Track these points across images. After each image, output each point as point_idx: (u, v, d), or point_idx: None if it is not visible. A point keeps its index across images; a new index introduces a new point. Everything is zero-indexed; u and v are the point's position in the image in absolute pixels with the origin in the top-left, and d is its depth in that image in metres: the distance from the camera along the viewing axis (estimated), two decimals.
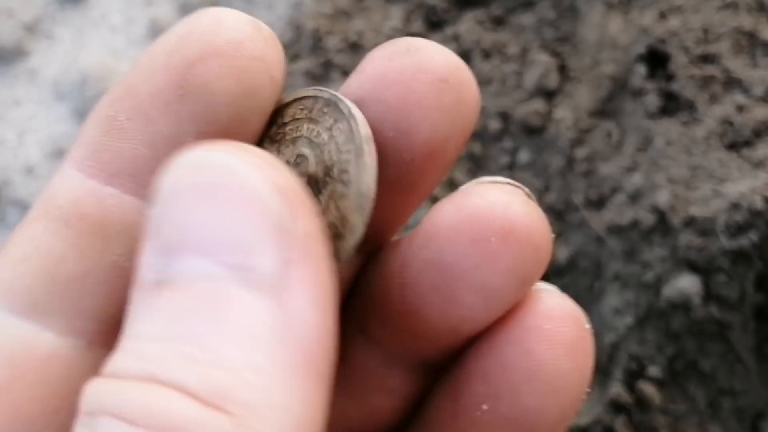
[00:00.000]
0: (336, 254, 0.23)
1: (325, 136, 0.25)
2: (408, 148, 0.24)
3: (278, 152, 0.25)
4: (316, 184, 0.25)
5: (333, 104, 0.25)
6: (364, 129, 0.24)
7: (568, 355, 0.23)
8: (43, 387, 0.23)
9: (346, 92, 0.25)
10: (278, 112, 0.26)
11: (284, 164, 0.21)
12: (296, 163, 0.25)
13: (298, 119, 0.26)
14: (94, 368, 0.23)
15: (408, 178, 0.24)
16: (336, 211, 0.24)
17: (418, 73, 0.24)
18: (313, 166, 0.25)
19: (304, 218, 0.20)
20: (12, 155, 0.68)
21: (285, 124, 0.26)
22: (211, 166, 0.20)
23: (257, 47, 0.24)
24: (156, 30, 0.73)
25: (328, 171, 0.24)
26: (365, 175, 0.23)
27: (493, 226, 0.22)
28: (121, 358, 0.19)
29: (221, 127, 0.24)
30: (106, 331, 0.24)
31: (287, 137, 0.26)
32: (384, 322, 0.25)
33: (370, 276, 0.26)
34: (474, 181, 0.24)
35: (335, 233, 0.24)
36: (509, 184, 0.24)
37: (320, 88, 0.25)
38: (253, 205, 0.19)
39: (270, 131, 0.26)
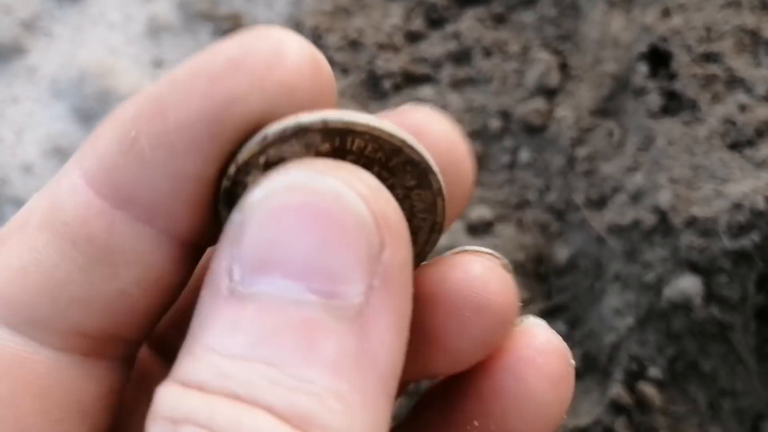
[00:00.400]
0: None
1: (400, 192, 0.24)
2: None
3: None
4: None
5: (422, 171, 0.23)
6: (446, 211, 0.24)
7: (555, 387, 0.25)
8: (45, 399, 0.23)
9: None
10: (338, 133, 0.23)
11: (388, 191, 0.21)
12: None
13: (368, 157, 0.23)
14: (93, 379, 0.23)
15: None
16: None
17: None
18: None
19: (397, 248, 0.20)
20: (10, 153, 0.68)
21: (347, 151, 0.23)
22: (315, 191, 0.20)
23: (311, 95, 0.22)
24: (154, 28, 0.72)
25: None
26: (431, 248, 0.25)
27: (469, 303, 0.24)
28: (199, 369, 0.19)
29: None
30: (104, 346, 0.24)
31: None
32: None
33: None
34: (458, 249, 0.25)
35: None
36: (490, 254, 0.25)
37: (404, 138, 0.23)
38: (352, 235, 0.19)
39: (323, 147, 0.23)
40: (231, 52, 0.22)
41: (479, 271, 0.24)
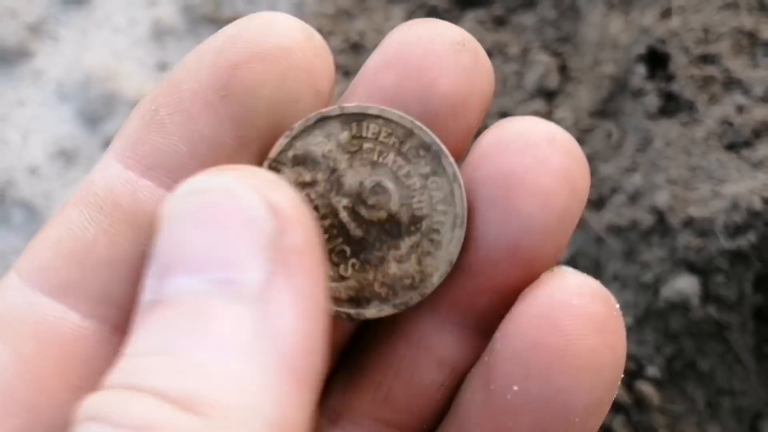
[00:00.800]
0: (407, 302, 0.25)
1: (416, 181, 0.25)
2: (431, 101, 0.25)
3: (350, 165, 0.25)
4: (397, 226, 0.25)
5: (434, 154, 0.25)
6: (465, 199, 0.25)
7: (599, 332, 0.22)
8: (67, 364, 0.24)
9: (370, 63, 0.26)
10: (354, 118, 0.25)
11: (286, 183, 0.21)
12: (374, 191, 0.25)
13: (383, 143, 0.25)
14: (116, 353, 0.24)
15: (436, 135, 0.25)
16: (417, 265, 0.25)
17: (436, 37, 0.25)
18: (395, 206, 0.25)
19: (295, 233, 0.20)
20: (16, 156, 0.69)
21: (363, 138, 0.25)
22: (209, 190, 0.21)
23: (305, 57, 0.24)
24: (159, 31, 0.73)
25: (415, 221, 0.25)
26: (457, 246, 0.25)
27: (539, 134, 0.24)
28: (114, 375, 0.20)
29: (260, 132, 0.25)
30: (128, 318, 0.24)
31: (365, 156, 0.25)
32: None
33: None
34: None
35: (411, 284, 0.25)
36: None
37: (413, 119, 0.25)
38: (245, 224, 0.20)
39: (343, 136, 0.25)
40: (230, 30, 0.25)
41: (534, 120, 0.25)
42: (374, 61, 0.26)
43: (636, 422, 0.53)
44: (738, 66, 0.56)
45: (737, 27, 0.58)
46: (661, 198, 0.53)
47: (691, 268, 0.52)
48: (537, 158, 0.24)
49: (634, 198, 0.55)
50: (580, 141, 0.60)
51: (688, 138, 0.54)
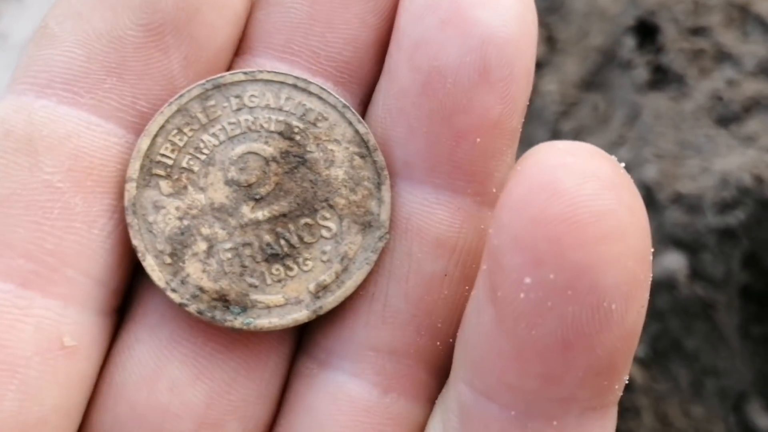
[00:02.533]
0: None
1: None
2: None
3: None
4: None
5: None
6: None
7: (609, 189, 0.18)
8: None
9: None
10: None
11: None
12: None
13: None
14: (26, 314, 0.22)
15: None
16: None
17: None
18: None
19: None
20: None
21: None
22: None
23: None
24: None
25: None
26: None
27: None
28: None
29: (166, 16, 0.22)
30: (40, 272, 0.22)
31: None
32: None
33: None
34: None
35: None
36: None
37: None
38: None
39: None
40: None
41: None
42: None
43: (619, 402, 0.52)
44: (729, 39, 0.55)
45: (728, 0, 0.56)
46: (649, 173, 0.52)
47: (679, 244, 0.51)
48: None
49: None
50: (567, 114, 0.58)
51: (677, 112, 0.53)
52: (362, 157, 0.25)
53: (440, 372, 0.24)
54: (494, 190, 0.24)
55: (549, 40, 0.63)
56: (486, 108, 0.22)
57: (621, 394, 0.21)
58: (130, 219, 0.23)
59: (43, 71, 0.22)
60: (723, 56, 0.54)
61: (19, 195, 0.22)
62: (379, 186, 0.24)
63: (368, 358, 0.24)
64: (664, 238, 0.51)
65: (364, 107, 0.25)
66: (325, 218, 0.24)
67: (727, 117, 0.52)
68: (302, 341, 0.25)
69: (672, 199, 0.51)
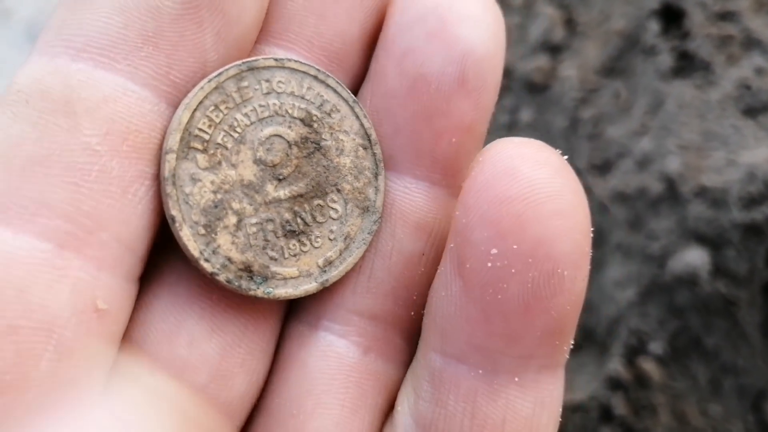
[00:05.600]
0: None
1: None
2: None
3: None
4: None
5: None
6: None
7: (559, 174, 0.22)
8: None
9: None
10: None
11: None
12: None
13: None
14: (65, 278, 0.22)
15: None
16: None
17: None
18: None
19: None
20: None
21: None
22: None
23: None
24: None
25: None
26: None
27: None
28: None
29: None
30: (77, 233, 0.22)
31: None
32: None
33: None
34: None
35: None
36: None
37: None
38: None
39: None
40: None
41: None
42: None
43: (635, 399, 0.51)
44: (758, 25, 0.53)
45: None
46: (672, 164, 0.51)
47: (701, 240, 0.49)
48: None
49: (642, 164, 0.53)
50: (586, 101, 0.57)
51: (703, 101, 0.52)
52: (365, 148, 0.27)
53: (412, 338, 0.28)
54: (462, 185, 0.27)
55: (569, 23, 0.62)
56: (462, 112, 0.26)
57: (568, 356, 0.24)
58: (169, 189, 0.24)
59: (78, 35, 0.23)
60: (752, 43, 0.53)
61: (59, 156, 0.22)
62: (376, 175, 0.27)
63: (353, 322, 0.27)
64: (686, 233, 0.50)
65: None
66: (333, 201, 0.27)
67: (755, 107, 0.51)
68: (292, 307, 0.28)
69: (696, 192, 0.49)
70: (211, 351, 0.25)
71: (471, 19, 0.25)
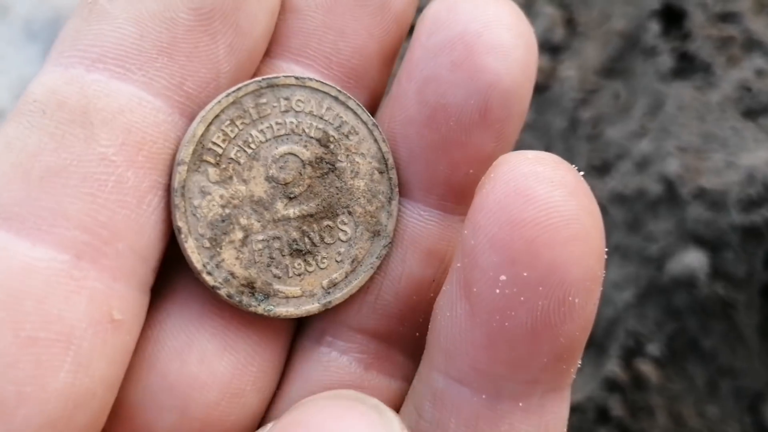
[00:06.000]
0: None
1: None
2: None
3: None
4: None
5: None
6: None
7: (574, 196, 0.21)
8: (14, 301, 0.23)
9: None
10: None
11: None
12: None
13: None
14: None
15: None
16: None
17: None
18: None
19: None
20: None
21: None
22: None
23: None
24: None
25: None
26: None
27: None
28: None
29: (215, 2, 0.23)
30: (93, 244, 0.22)
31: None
32: None
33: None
34: None
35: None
36: None
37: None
38: None
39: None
40: None
41: None
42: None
43: (632, 401, 0.51)
44: (759, 26, 0.53)
45: None
46: (671, 166, 0.51)
47: (700, 242, 0.49)
48: (490, 14, 0.24)
49: (641, 165, 0.53)
50: (586, 101, 0.57)
51: (703, 103, 0.51)
52: (381, 172, 0.27)
53: (415, 356, 0.27)
54: None
55: (569, 22, 0.61)
56: (482, 144, 0.25)
57: (575, 377, 0.23)
58: (177, 201, 0.25)
59: (93, 45, 0.23)
60: (753, 44, 0.52)
61: (76, 166, 0.22)
62: (390, 200, 0.27)
63: (356, 339, 0.27)
64: (685, 235, 0.50)
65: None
66: (343, 223, 0.27)
67: (755, 109, 0.51)
68: (300, 323, 0.28)
69: (695, 194, 0.49)
70: (223, 368, 0.25)
71: (499, 49, 0.24)
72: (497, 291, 0.21)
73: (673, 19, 0.56)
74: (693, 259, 0.49)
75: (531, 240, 0.21)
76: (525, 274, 0.21)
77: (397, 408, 0.27)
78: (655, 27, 0.56)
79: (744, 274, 0.49)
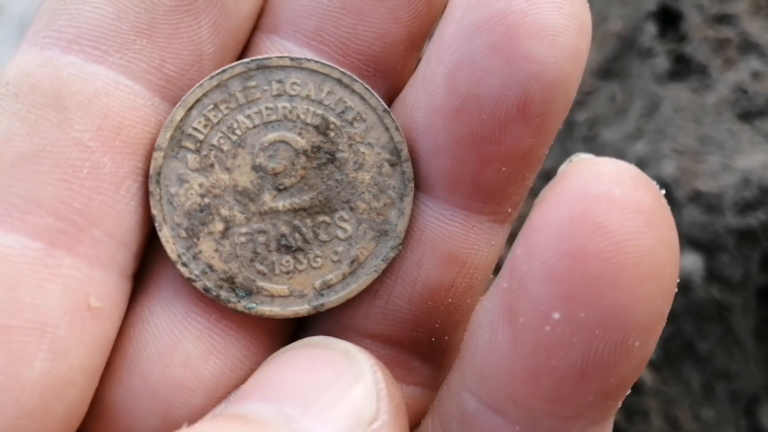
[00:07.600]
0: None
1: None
2: None
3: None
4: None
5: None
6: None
7: (651, 226, 0.18)
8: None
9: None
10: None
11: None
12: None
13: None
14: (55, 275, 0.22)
15: None
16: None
17: None
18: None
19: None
20: None
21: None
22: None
23: None
24: None
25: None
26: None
27: None
28: None
29: None
30: (68, 231, 0.21)
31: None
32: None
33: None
34: None
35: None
36: None
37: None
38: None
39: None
40: None
41: None
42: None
43: (627, 404, 0.51)
44: (756, 28, 0.53)
45: None
46: (667, 169, 0.51)
47: (696, 245, 0.49)
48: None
49: (637, 167, 0.53)
50: (582, 103, 0.57)
51: (699, 105, 0.51)
52: (392, 165, 0.25)
53: (430, 360, 0.26)
54: (510, 210, 0.24)
55: None
56: (518, 140, 0.22)
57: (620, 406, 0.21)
58: (152, 188, 0.24)
59: (69, 26, 0.22)
60: (749, 46, 0.52)
61: (49, 152, 0.22)
62: (402, 197, 0.25)
63: (363, 344, 0.25)
64: (680, 238, 0.49)
65: (385, 102, 0.25)
66: (343, 219, 0.25)
67: (752, 112, 0.51)
68: (301, 326, 0.26)
69: (690, 197, 0.49)
70: (209, 373, 0.24)
71: (546, 32, 0.20)
72: (547, 328, 0.18)
73: (669, 20, 0.56)
74: (688, 262, 0.49)
75: (594, 277, 0.18)
76: (582, 314, 0.18)
77: (415, 416, 0.24)
78: (651, 29, 0.56)
79: (739, 277, 0.49)
